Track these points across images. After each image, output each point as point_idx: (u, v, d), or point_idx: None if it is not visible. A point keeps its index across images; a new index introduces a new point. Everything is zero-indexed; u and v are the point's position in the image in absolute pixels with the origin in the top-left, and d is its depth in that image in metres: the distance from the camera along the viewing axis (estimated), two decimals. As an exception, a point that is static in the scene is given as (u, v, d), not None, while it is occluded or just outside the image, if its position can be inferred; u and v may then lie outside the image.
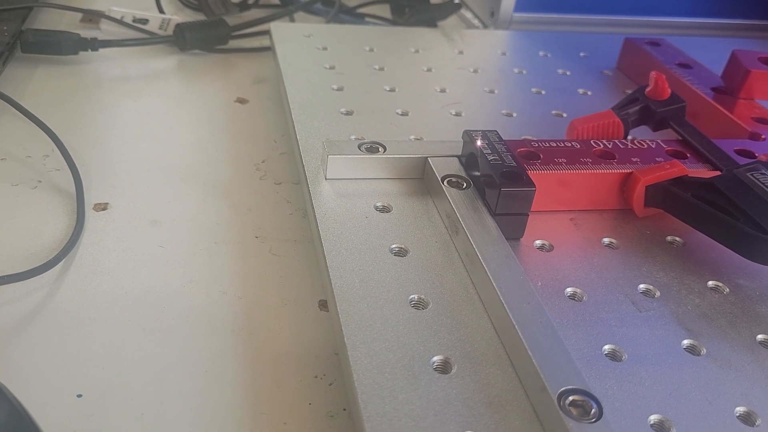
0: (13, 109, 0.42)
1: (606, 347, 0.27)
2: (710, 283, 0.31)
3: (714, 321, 0.29)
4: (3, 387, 0.22)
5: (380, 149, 0.36)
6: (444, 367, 0.26)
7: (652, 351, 0.27)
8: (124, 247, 0.34)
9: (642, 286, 0.30)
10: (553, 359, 0.24)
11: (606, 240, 0.33)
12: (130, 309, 0.31)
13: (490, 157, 0.33)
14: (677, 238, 0.34)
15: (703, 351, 0.27)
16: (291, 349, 0.30)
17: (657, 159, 0.35)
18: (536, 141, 0.36)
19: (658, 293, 0.30)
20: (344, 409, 0.27)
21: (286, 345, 0.30)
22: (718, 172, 0.34)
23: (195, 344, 0.29)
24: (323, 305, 0.32)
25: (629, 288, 0.30)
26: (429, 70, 0.49)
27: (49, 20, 0.57)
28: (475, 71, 0.49)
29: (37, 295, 0.31)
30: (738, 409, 0.25)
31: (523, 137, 0.41)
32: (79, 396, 0.26)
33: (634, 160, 0.35)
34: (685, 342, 0.28)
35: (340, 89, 0.45)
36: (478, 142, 0.34)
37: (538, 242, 0.33)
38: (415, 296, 0.29)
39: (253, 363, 0.29)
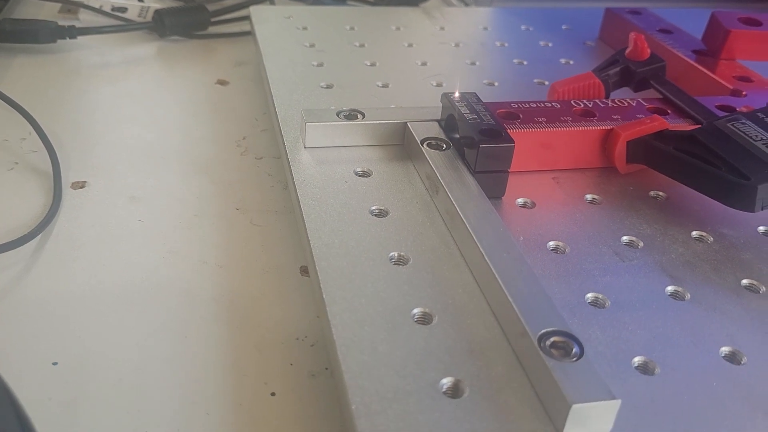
0: (-10, 95, 0.42)
1: (589, 295, 0.27)
2: (694, 233, 0.31)
3: (698, 268, 0.29)
4: None
5: (359, 116, 0.35)
6: (424, 319, 0.25)
7: (635, 297, 0.27)
8: (102, 223, 0.34)
9: (625, 238, 0.30)
10: (533, 304, 0.24)
11: (589, 196, 0.33)
12: (108, 280, 0.30)
13: (469, 117, 0.32)
14: (660, 193, 0.33)
15: (687, 296, 0.27)
16: (272, 315, 0.29)
17: (638, 116, 0.35)
18: (516, 102, 0.35)
19: (641, 244, 0.30)
20: (326, 369, 0.27)
21: (267, 311, 0.29)
22: (699, 126, 0.34)
23: (175, 312, 0.29)
24: (304, 271, 0.32)
25: (612, 240, 0.30)
26: (410, 45, 0.49)
27: (27, 12, 0.57)
28: (457, 45, 0.49)
29: (14, 269, 0.30)
30: (723, 349, 0.25)
31: (504, 104, 0.41)
32: (55, 364, 0.26)
33: (615, 117, 0.35)
34: (669, 288, 0.27)
35: (320, 65, 0.44)
36: (463, 101, 0.33)
37: (520, 200, 0.32)
38: (395, 254, 0.28)
39: (234, 329, 0.28)
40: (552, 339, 0.23)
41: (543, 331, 0.23)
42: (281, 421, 0.25)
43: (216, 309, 0.29)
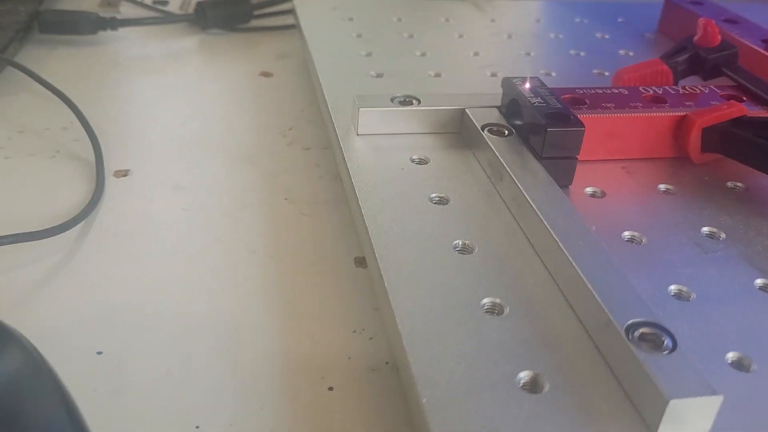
0: (30, 85, 0.41)
1: (672, 287, 0.25)
2: (780, 224, 0.29)
3: (789, 261, 0.26)
4: (20, 335, 0.20)
5: (414, 102, 0.34)
6: (495, 309, 0.23)
7: (722, 291, 0.25)
8: (145, 211, 0.32)
9: (705, 229, 0.28)
10: (616, 292, 0.22)
11: (662, 186, 0.31)
12: (153, 269, 0.29)
13: (534, 101, 0.31)
14: (738, 184, 0.31)
15: (781, 290, 0.25)
16: (326, 306, 0.27)
17: (712, 102, 0.33)
18: (581, 88, 0.33)
19: (723, 235, 0.28)
20: (386, 363, 0.25)
21: (320, 302, 0.28)
22: (780, 113, 0.32)
23: (223, 303, 0.27)
24: (359, 262, 0.30)
25: (691, 231, 0.28)
26: (460, 36, 0.47)
27: (68, 3, 0.56)
28: (509, 37, 0.47)
29: (57, 255, 0.29)
30: (826, 346, 0.22)
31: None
32: (100, 353, 0.24)
33: (688, 104, 0.32)
34: (759, 281, 0.25)
35: (368, 55, 0.43)
36: (526, 85, 0.32)
37: (588, 189, 0.30)
38: (459, 242, 0.26)
39: (285, 319, 0.27)
40: (640, 330, 0.21)
41: (630, 322, 0.21)
42: (340, 416, 0.23)
43: (266, 300, 0.28)
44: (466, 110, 0.33)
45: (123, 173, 0.35)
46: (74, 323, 0.26)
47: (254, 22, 0.55)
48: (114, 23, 0.49)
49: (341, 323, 0.27)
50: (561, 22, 0.51)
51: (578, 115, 0.30)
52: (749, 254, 0.27)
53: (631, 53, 0.46)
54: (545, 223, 0.25)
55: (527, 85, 0.32)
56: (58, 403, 0.18)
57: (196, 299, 0.27)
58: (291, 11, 0.52)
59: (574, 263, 0.23)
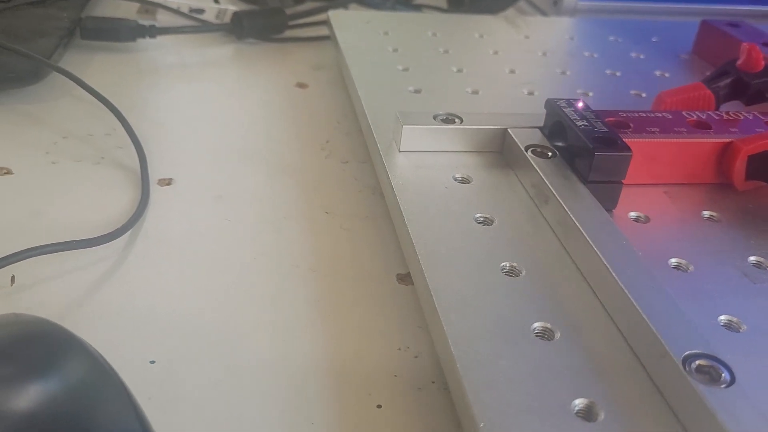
0: (73, 90, 0.41)
1: (722, 318, 0.25)
2: (827, 255, 0.28)
3: (838, 293, 0.26)
4: (85, 342, 0.20)
5: (456, 120, 0.34)
6: (546, 334, 0.23)
7: (773, 322, 0.25)
8: (190, 220, 0.33)
9: (753, 258, 0.28)
10: (672, 322, 0.22)
11: (706, 213, 0.31)
12: (199, 278, 0.29)
13: (579, 123, 0.31)
14: (783, 212, 0.31)
15: (832, 323, 0.25)
16: (371, 323, 0.28)
17: (757, 129, 0.33)
18: (624, 111, 0.33)
19: (770, 265, 0.28)
20: (432, 382, 0.25)
21: (364, 317, 0.28)
22: (825, 142, 0.32)
23: (268, 315, 0.27)
24: (402, 279, 0.30)
25: (738, 260, 0.28)
26: (495, 53, 0.47)
27: (105, 11, 0.57)
28: (544, 54, 0.47)
29: (106, 263, 0.29)
30: None
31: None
32: (152, 362, 0.25)
33: (733, 130, 0.32)
34: (810, 314, 0.25)
35: (405, 69, 0.43)
36: (571, 107, 0.32)
37: (632, 214, 0.30)
38: (507, 264, 0.26)
39: (331, 333, 0.27)
40: (697, 362, 0.21)
41: (687, 353, 0.21)
42: (390, 436, 0.23)
43: (311, 313, 0.28)
44: (509, 130, 0.33)
45: (167, 182, 0.35)
46: (126, 332, 0.26)
47: (289, 33, 0.55)
48: (153, 31, 0.50)
49: (386, 340, 0.27)
50: (595, 40, 0.51)
51: (625, 139, 0.31)
52: (797, 285, 0.27)
53: (667, 74, 0.46)
54: (594, 248, 0.25)
55: (572, 107, 0.32)
56: (128, 408, 0.18)
57: (243, 311, 0.28)
58: (325, 22, 0.52)
59: (626, 291, 0.23)
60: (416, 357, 0.26)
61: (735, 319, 0.25)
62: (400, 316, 0.28)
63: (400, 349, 0.26)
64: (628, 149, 0.29)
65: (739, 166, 0.31)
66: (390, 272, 0.30)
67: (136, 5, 0.56)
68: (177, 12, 0.55)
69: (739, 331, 0.24)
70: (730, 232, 0.30)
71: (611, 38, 0.51)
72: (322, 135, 0.41)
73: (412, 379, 0.25)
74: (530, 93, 0.41)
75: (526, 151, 0.32)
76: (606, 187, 0.30)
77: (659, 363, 0.21)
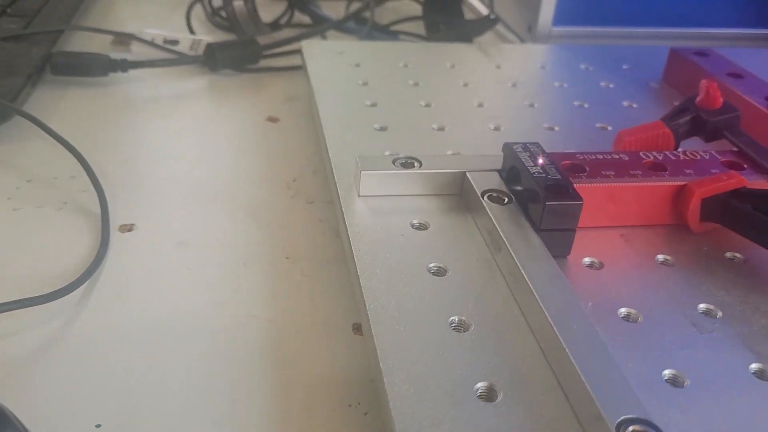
0: (41, 131, 0.42)
1: (666, 372, 0.25)
2: (777, 302, 0.29)
3: (784, 343, 0.26)
4: (10, 414, 0.21)
5: (415, 164, 0.34)
6: (489, 395, 0.23)
7: (716, 376, 0.25)
8: (149, 270, 0.33)
9: (702, 306, 0.28)
10: (609, 385, 0.22)
11: (660, 257, 0.31)
12: (154, 334, 0.29)
13: (533, 170, 0.31)
14: (737, 255, 0.31)
15: (774, 376, 0.25)
16: (323, 376, 0.28)
17: (712, 170, 0.33)
18: (581, 153, 0.33)
19: (720, 313, 0.28)
20: (381, 440, 0.25)
21: (318, 371, 0.28)
22: (780, 183, 0.32)
23: (222, 370, 0.28)
24: (357, 329, 0.30)
25: (688, 308, 0.28)
26: (465, 84, 0.47)
27: (80, 44, 0.57)
28: (514, 85, 0.48)
29: (58, 319, 0.30)
30: (819, 441, 0.23)
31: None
32: (98, 426, 0.25)
33: (688, 171, 0.33)
34: (753, 366, 0.25)
35: (373, 105, 0.43)
36: (526, 152, 0.32)
37: (586, 260, 0.30)
38: (456, 318, 0.27)
39: (282, 390, 0.27)
40: (631, 428, 0.21)
41: (622, 418, 0.21)
42: (333, 500, 0.23)
43: (264, 367, 0.28)
44: (467, 174, 0.33)
45: (128, 228, 0.35)
46: (73, 394, 0.26)
47: (264, 62, 0.55)
48: (124, 65, 0.50)
49: (337, 395, 0.27)
50: (566, 68, 0.51)
51: (578, 184, 0.31)
52: (745, 335, 0.27)
53: (634, 105, 0.46)
54: (540, 304, 0.25)
55: (527, 152, 0.32)
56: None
57: (196, 367, 0.28)
58: (299, 51, 0.53)
59: (567, 350, 0.23)
60: (366, 414, 0.26)
61: (679, 374, 0.25)
62: (354, 369, 0.28)
63: (350, 405, 0.26)
64: (579, 198, 0.29)
65: (693, 208, 0.31)
66: (347, 321, 0.31)
67: (111, 37, 0.56)
68: (151, 43, 0.55)
69: (683, 387, 0.24)
70: (683, 277, 0.30)
71: (582, 66, 0.52)
72: (289, 173, 0.41)
73: (360, 437, 0.25)
74: (496, 128, 0.42)
75: (482, 197, 0.32)
76: (559, 234, 0.30)
77: (595, 426, 0.21)
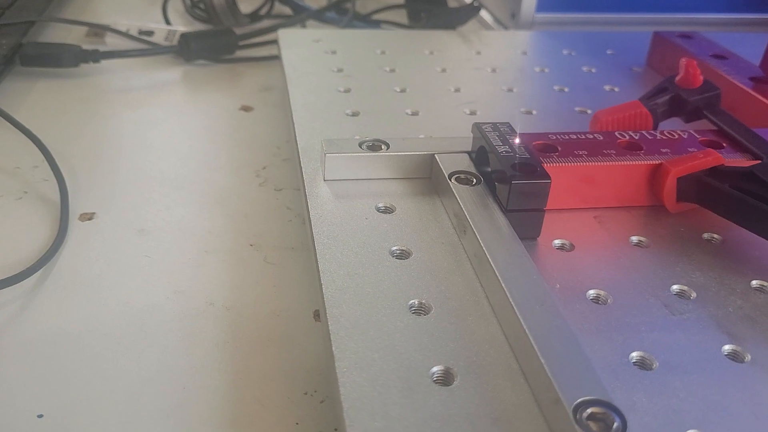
0: (4, 121, 0.40)
1: (634, 354, 0.23)
2: (754, 282, 0.27)
3: (759, 324, 0.25)
4: None
5: (383, 147, 0.33)
6: (445, 379, 0.22)
7: (687, 358, 0.23)
8: (107, 258, 0.32)
9: (676, 287, 0.27)
10: (569, 366, 0.21)
11: (634, 238, 0.30)
12: (107, 322, 0.28)
13: (501, 149, 0.30)
14: (715, 235, 0.30)
15: (748, 357, 0.24)
16: (280, 364, 0.27)
17: (689, 149, 0.32)
18: (554, 134, 0.32)
19: (694, 294, 0.26)
20: (335, 430, 0.24)
21: (274, 359, 0.27)
22: (758, 162, 0.31)
23: (174, 359, 0.26)
24: (318, 316, 0.29)
25: (661, 289, 0.27)
26: (443, 70, 0.46)
27: (54, 35, 0.56)
28: (494, 71, 0.46)
29: (10, 307, 0.28)
30: (791, 423, 0.21)
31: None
32: (40, 416, 0.24)
33: (664, 151, 0.31)
34: (726, 347, 0.24)
35: (347, 91, 0.42)
36: (495, 131, 0.31)
37: (557, 242, 0.29)
38: (416, 301, 0.25)
39: (236, 379, 0.26)
40: (590, 410, 0.20)
41: (579, 401, 0.20)
42: (281, 491, 0.22)
43: (219, 356, 0.27)
44: (436, 156, 0.32)
45: (88, 216, 0.34)
46: (17, 383, 0.25)
47: (240, 53, 0.54)
48: (96, 56, 0.49)
49: (293, 384, 0.26)
50: (548, 54, 0.50)
51: (548, 164, 0.30)
52: (719, 316, 0.25)
53: (616, 89, 0.45)
54: (503, 285, 0.24)
55: (497, 132, 0.31)
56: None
57: (148, 356, 0.27)
58: (276, 41, 0.51)
59: (527, 332, 0.22)
60: (322, 402, 0.25)
61: (648, 356, 0.23)
62: (312, 357, 0.27)
63: (306, 393, 0.25)
64: (547, 176, 0.28)
65: (669, 188, 0.30)
66: (309, 308, 0.29)
67: (85, 29, 0.55)
68: (126, 34, 0.54)
69: (651, 370, 0.23)
70: (657, 258, 0.28)
71: (565, 52, 0.50)
72: (259, 161, 0.40)
73: (314, 427, 0.24)
74: (472, 113, 0.40)
75: (450, 179, 0.31)
76: (527, 215, 0.29)
77: (553, 409, 0.20)
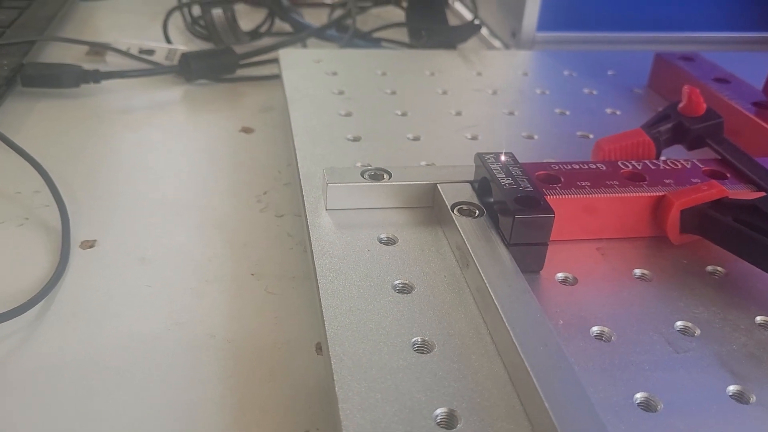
0: (4, 145, 0.40)
1: (638, 395, 0.23)
2: (758, 318, 0.27)
3: (764, 363, 0.25)
4: None
5: (385, 176, 0.33)
6: (449, 422, 0.22)
7: (692, 399, 0.23)
8: (108, 288, 0.32)
9: (679, 323, 0.27)
10: (574, 410, 0.21)
11: (637, 271, 0.30)
12: (108, 355, 0.28)
13: (504, 182, 0.30)
14: (718, 268, 0.30)
15: (753, 398, 0.24)
16: (281, 399, 0.26)
17: (693, 180, 0.31)
18: (557, 163, 0.32)
19: (698, 331, 0.26)
20: (338, 470, 0.24)
21: (276, 394, 0.27)
22: (763, 194, 0.31)
23: (175, 394, 0.26)
24: (320, 349, 0.29)
25: (664, 325, 0.27)
26: (444, 92, 0.46)
27: (55, 54, 0.56)
28: (494, 93, 0.46)
29: (12, 339, 0.28)
30: (798, 469, 0.21)
31: (543, 161, 0.38)
32: (42, 456, 0.24)
33: (667, 181, 0.31)
34: (731, 388, 0.24)
35: (348, 115, 0.42)
36: (497, 163, 0.31)
37: (560, 275, 0.29)
38: (419, 339, 0.25)
39: (238, 414, 0.26)
40: (595, 459, 0.19)
41: (585, 449, 0.20)
42: None
43: (220, 390, 0.27)
44: (438, 186, 0.32)
45: (89, 244, 0.34)
46: (19, 419, 0.25)
47: (240, 72, 0.54)
48: (97, 76, 0.49)
49: (295, 422, 0.25)
50: (549, 74, 0.50)
51: (551, 197, 0.29)
52: (723, 354, 0.25)
53: (618, 112, 0.45)
54: (505, 323, 0.24)
55: (499, 163, 0.31)
56: None
57: (148, 390, 0.26)
58: (277, 60, 0.51)
59: (530, 372, 0.22)
60: (324, 440, 0.25)
61: (652, 397, 0.23)
62: (314, 392, 0.27)
63: (308, 431, 0.25)
64: (550, 211, 0.28)
65: (673, 220, 0.30)
66: (311, 341, 0.29)
67: (86, 48, 0.55)
68: (126, 53, 0.54)
69: (656, 411, 0.23)
70: (660, 292, 0.28)
71: (566, 72, 0.50)
72: (260, 186, 0.40)
73: (316, 466, 0.24)
74: (473, 137, 0.40)
75: (452, 210, 0.30)
76: (530, 249, 0.28)
77: (558, 457, 0.20)
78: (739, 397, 0.24)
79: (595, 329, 0.26)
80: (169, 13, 0.60)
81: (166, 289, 0.32)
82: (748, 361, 0.25)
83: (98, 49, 0.54)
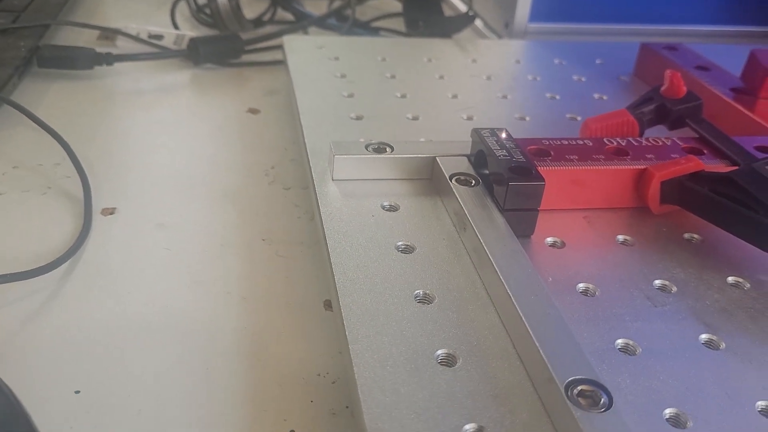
0: (27, 120, 0.43)
1: (619, 341, 0.26)
2: (730, 278, 0.30)
3: (734, 316, 0.28)
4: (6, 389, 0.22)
5: (387, 149, 0.35)
6: (448, 361, 0.25)
7: (667, 345, 0.26)
8: (129, 250, 0.34)
9: (658, 282, 0.29)
10: (561, 349, 0.23)
11: (621, 237, 0.32)
12: (132, 310, 0.30)
13: (498, 153, 0.32)
14: (695, 235, 0.33)
15: (722, 345, 0.26)
16: (294, 349, 0.29)
17: (672, 155, 0.34)
18: (547, 139, 0.35)
19: (674, 289, 0.29)
20: (347, 407, 0.26)
21: (289, 344, 0.29)
22: (736, 167, 0.33)
23: (196, 343, 0.29)
24: (328, 305, 0.31)
25: (644, 284, 0.29)
26: (441, 77, 0.49)
27: (67, 38, 0.58)
28: (489, 78, 0.49)
29: (41, 294, 0.31)
30: (759, 403, 0.24)
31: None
32: (77, 392, 0.26)
33: (649, 156, 0.34)
34: (703, 336, 0.27)
35: (350, 96, 0.44)
36: (493, 136, 0.33)
37: (549, 239, 0.32)
38: (421, 291, 0.28)
39: (254, 362, 0.28)
40: (579, 387, 0.22)
41: (570, 379, 0.22)
42: (299, 461, 0.24)
43: (238, 342, 0.29)
44: (437, 159, 0.35)
45: (110, 211, 0.36)
46: (55, 363, 0.27)
47: (246, 57, 0.56)
48: (110, 59, 0.51)
49: (307, 367, 0.28)
50: (540, 63, 0.52)
51: (542, 168, 0.32)
52: (697, 309, 0.28)
53: (605, 97, 0.47)
54: (500, 276, 0.27)
55: (495, 137, 0.33)
56: None
57: (171, 340, 0.29)
58: (281, 46, 0.54)
59: (523, 318, 0.25)
60: (333, 382, 0.27)
61: (632, 343, 0.26)
62: (324, 343, 0.29)
63: (319, 374, 0.28)
64: (541, 179, 0.30)
65: (653, 191, 0.33)
66: (319, 298, 0.32)
67: (97, 32, 0.57)
68: (136, 38, 0.56)
69: (635, 355, 0.25)
70: (641, 255, 0.31)
71: (556, 61, 0.53)
72: (268, 161, 0.43)
73: (327, 405, 0.26)
74: (469, 118, 0.43)
75: (450, 180, 0.33)
76: (522, 214, 0.31)
77: (546, 387, 0.23)
78: (710, 344, 0.26)
79: (581, 286, 0.29)
80: (176, 1, 0.62)
81: (183, 251, 0.34)
82: (720, 315, 0.28)
83: (109, 33, 0.57)
